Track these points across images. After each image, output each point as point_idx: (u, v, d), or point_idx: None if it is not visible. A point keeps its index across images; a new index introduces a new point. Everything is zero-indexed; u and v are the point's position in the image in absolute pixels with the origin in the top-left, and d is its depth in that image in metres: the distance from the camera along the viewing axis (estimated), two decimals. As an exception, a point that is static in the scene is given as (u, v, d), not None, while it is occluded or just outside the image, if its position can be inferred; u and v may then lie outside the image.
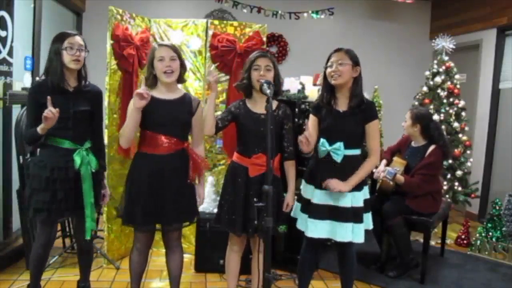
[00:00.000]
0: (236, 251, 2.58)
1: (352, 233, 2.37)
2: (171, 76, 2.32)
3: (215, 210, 2.67)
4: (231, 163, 2.56)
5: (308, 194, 2.48)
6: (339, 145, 2.37)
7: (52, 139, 2.34)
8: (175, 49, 2.36)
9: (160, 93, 2.37)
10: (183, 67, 2.40)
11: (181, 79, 2.43)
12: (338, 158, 2.38)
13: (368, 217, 2.48)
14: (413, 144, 3.55)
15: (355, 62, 2.38)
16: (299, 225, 2.53)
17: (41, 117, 2.17)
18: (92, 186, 2.40)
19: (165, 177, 2.32)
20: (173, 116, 2.34)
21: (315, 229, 2.40)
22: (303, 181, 2.57)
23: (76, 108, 2.34)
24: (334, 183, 2.34)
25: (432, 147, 3.40)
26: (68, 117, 2.31)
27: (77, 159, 2.34)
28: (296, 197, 2.58)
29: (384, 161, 3.56)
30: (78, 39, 2.32)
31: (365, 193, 2.47)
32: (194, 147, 2.48)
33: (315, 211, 2.41)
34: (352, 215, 2.37)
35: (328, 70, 2.40)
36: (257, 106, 2.46)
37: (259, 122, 2.41)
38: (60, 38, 2.30)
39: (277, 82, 2.45)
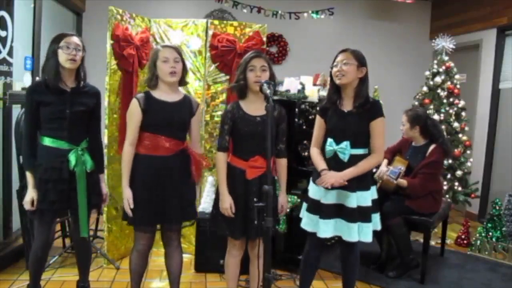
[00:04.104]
0: (236, 255, 2.54)
1: (360, 232, 2.37)
2: (175, 76, 2.35)
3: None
4: (227, 165, 2.50)
5: (317, 194, 2.47)
6: (346, 144, 2.38)
7: (48, 139, 2.35)
8: (179, 51, 2.39)
9: (161, 95, 2.39)
10: (185, 69, 2.43)
11: (182, 82, 2.46)
12: (344, 158, 2.39)
13: (376, 217, 2.48)
14: (413, 144, 3.55)
15: (361, 63, 2.39)
16: (305, 225, 2.52)
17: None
18: (85, 185, 2.40)
19: (166, 178, 2.34)
20: (174, 118, 2.36)
21: (327, 229, 2.41)
22: (310, 181, 2.56)
23: (73, 108, 2.35)
24: (326, 177, 2.35)
25: (432, 146, 3.40)
26: (64, 117, 2.33)
27: (72, 159, 2.34)
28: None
29: (385, 161, 3.56)
30: (75, 39, 2.33)
31: (372, 193, 2.46)
32: (193, 148, 2.49)
33: (325, 211, 2.42)
34: (358, 215, 2.37)
35: (334, 69, 2.41)
36: (252, 107, 2.42)
37: (255, 124, 2.38)
38: (57, 38, 2.32)
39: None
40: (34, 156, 2.34)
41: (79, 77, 2.40)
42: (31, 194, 2.32)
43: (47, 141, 2.34)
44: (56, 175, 2.33)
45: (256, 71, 2.36)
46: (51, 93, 2.30)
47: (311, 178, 2.58)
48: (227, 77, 3.58)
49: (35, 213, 2.36)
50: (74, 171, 2.35)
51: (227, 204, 2.36)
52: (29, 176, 2.34)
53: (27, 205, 2.32)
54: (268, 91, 2.06)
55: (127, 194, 2.32)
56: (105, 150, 3.26)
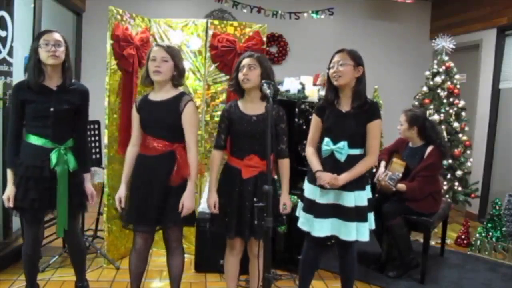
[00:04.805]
0: (235, 254, 2.55)
1: (357, 232, 2.37)
2: (158, 75, 2.32)
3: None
4: (225, 164, 2.52)
5: (312, 194, 2.47)
6: (343, 144, 2.38)
7: (31, 137, 2.34)
8: (169, 51, 2.34)
9: (153, 94, 2.41)
10: (177, 69, 2.37)
11: (175, 82, 2.39)
12: (341, 157, 2.39)
13: (370, 217, 2.48)
14: (410, 145, 3.54)
15: (357, 63, 2.38)
16: (301, 225, 2.52)
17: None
18: (67, 185, 2.38)
19: (149, 178, 2.33)
20: (157, 118, 2.34)
21: (321, 228, 2.40)
22: (306, 181, 2.56)
23: (57, 106, 2.33)
24: (326, 177, 2.35)
25: (430, 148, 3.39)
26: (47, 115, 2.31)
27: (53, 158, 2.33)
28: (295, 196, 2.56)
29: (383, 163, 3.53)
30: (55, 35, 2.31)
31: (368, 193, 2.46)
32: (188, 150, 2.36)
33: (320, 210, 2.42)
34: (356, 215, 2.37)
35: (330, 71, 2.40)
36: (249, 107, 2.43)
37: (250, 124, 2.39)
38: (37, 37, 2.31)
39: None
40: (18, 154, 2.34)
41: (65, 74, 2.38)
42: (8, 191, 2.32)
43: (32, 139, 2.34)
44: (37, 174, 2.32)
45: (243, 70, 2.37)
46: (35, 91, 2.29)
47: (306, 178, 2.58)
48: (227, 77, 3.57)
49: (16, 211, 2.37)
50: (55, 171, 2.34)
51: (211, 201, 2.43)
52: (10, 173, 2.34)
53: (5, 203, 2.32)
54: (268, 91, 2.05)
55: (120, 192, 2.41)
56: (105, 150, 3.28)
